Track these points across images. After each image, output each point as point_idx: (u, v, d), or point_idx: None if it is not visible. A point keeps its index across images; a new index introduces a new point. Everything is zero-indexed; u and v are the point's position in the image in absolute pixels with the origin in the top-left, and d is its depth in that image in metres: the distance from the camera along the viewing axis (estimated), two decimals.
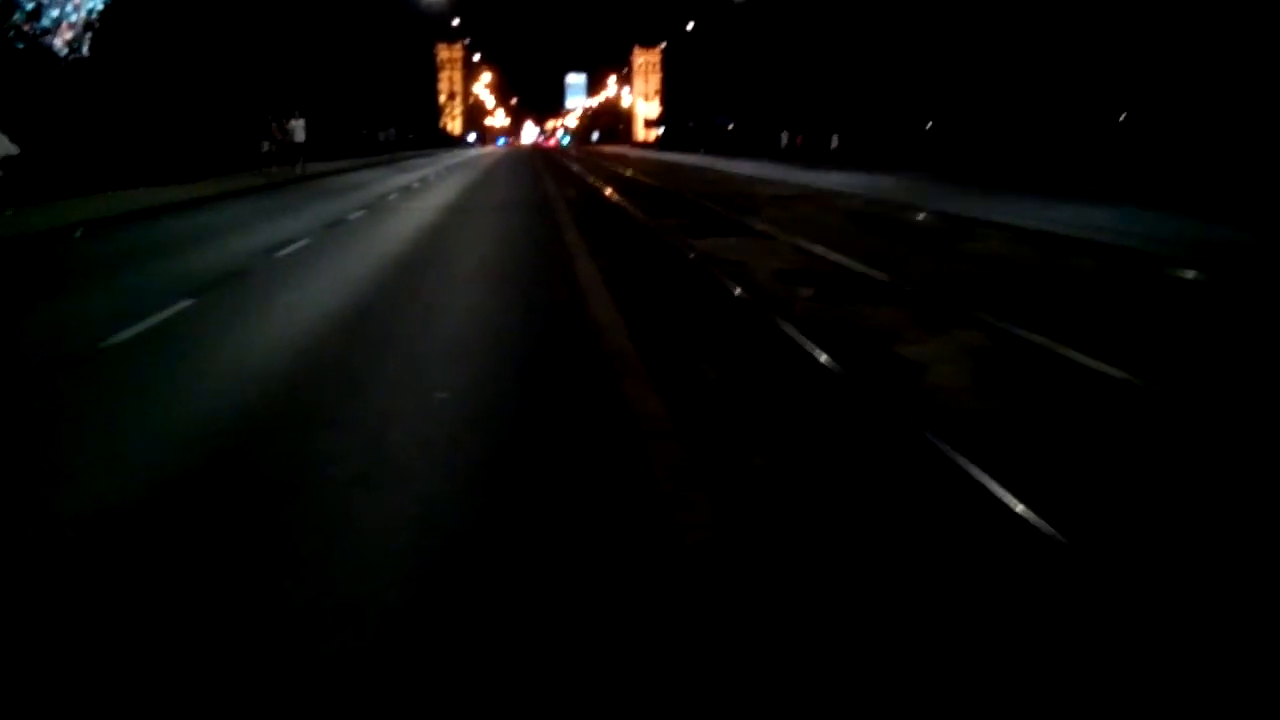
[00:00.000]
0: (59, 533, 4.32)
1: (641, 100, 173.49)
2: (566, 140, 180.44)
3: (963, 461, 5.01)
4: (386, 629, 3.46)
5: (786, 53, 68.89)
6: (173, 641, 3.38)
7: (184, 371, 7.16)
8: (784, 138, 67.91)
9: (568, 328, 8.65)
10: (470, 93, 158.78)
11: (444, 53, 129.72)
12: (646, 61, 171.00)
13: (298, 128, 32.40)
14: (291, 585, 3.79)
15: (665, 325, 8.68)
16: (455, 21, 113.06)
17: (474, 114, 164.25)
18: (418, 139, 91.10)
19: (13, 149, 19.15)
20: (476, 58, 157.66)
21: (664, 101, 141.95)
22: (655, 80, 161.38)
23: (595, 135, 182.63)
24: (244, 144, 33.29)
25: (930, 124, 46.75)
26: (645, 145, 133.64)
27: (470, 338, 8.44)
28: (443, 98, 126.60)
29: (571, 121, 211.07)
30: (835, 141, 58.13)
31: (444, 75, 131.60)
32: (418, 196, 26.37)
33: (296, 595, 3.71)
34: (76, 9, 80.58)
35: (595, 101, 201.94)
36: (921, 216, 19.57)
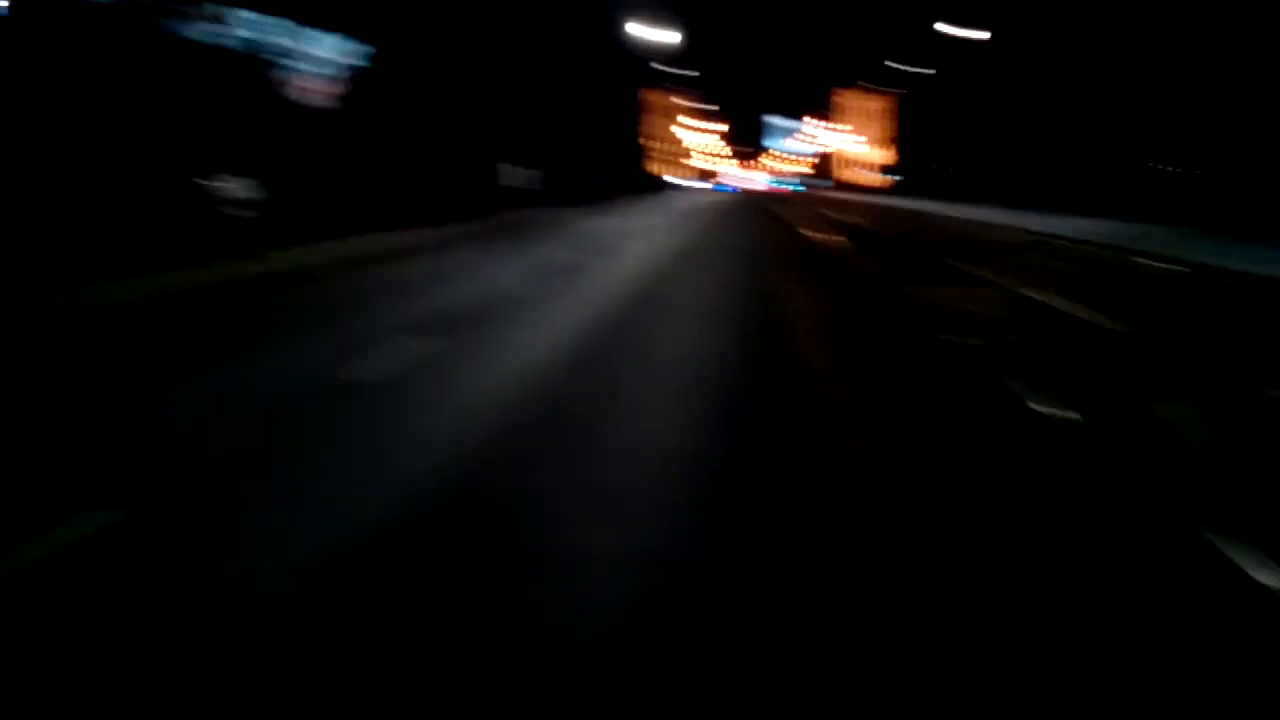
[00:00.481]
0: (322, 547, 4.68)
1: (851, 142, 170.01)
2: (793, 185, 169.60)
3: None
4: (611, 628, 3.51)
5: (1030, 95, 66.65)
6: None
7: (416, 405, 7.62)
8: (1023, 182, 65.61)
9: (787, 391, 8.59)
10: (672, 134, 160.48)
11: (651, 96, 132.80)
12: (861, 104, 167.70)
13: (518, 173, 34.20)
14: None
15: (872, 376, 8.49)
16: (664, 65, 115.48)
17: (676, 155, 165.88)
18: (623, 181, 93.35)
19: (263, 194, 20.85)
20: (681, 100, 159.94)
21: (897, 145, 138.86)
22: (869, 121, 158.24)
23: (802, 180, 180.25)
24: (469, 190, 35.00)
25: (1176, 168, 44.08)
26: (864, 189, 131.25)
27: (688, 369, 8.52)
28: (648, 139, 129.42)
29: (773, 164, 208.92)
30: (1064, 183, 55.67)
31: (650, 118, 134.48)
32: (636, 238, 27.00)
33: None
34: (339, 64, 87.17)
35: (801, 144, 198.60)
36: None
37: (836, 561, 4.57)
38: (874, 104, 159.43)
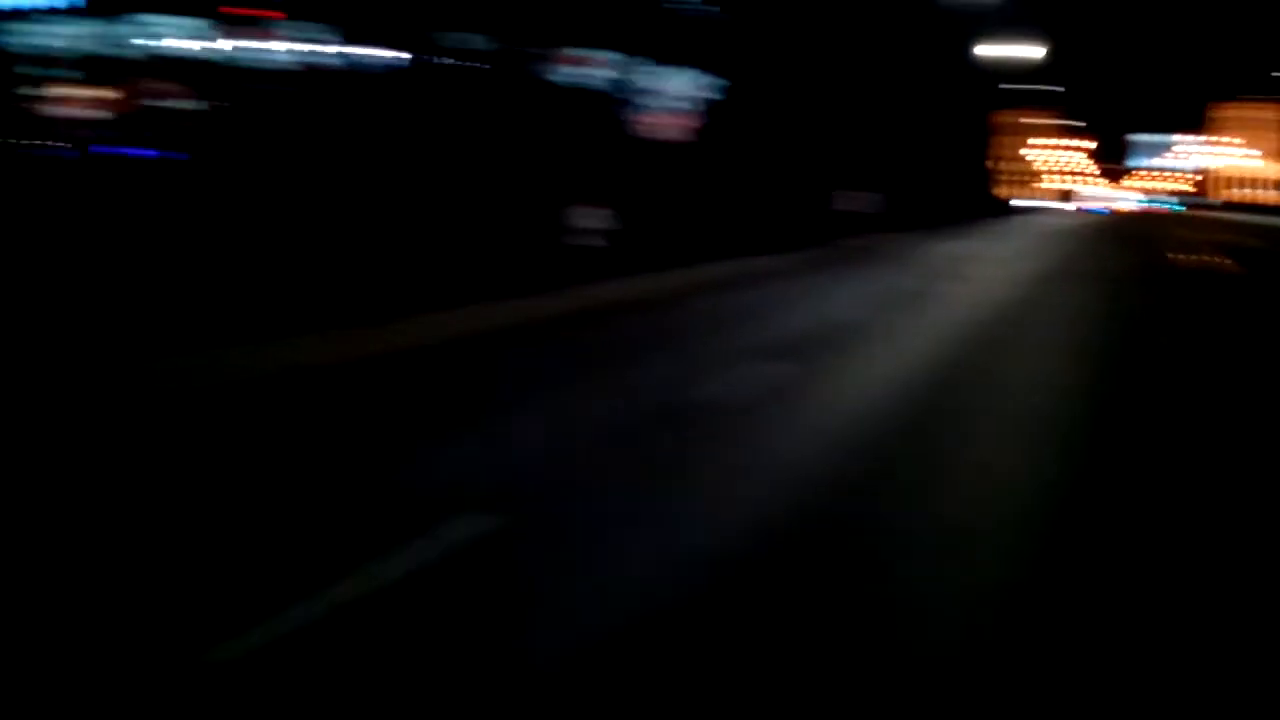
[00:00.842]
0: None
1: (1240, 157, 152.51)
2: (1170, 204, 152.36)
3: None
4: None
5: None
6: None
7: (779, 428, 7.58)
8: None
9: None
10: (1021, 156, 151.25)
11: (1001, 117, 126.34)
12: (1249, 117, 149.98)
13: (859, 199, 33.64)
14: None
15: None
16: (1020, 84, 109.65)
17: (1027, 177, 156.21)
18: (969, 205, 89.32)
19: (616, 224, 21.55)
20: (1037, 119, 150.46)
21: None
22: (1260, 135, 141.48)
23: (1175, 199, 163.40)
24: (809, 216, 34.64)
25: None
26: (1265, 208, 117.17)
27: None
28: (995, 161, 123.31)
29: (1144, 183, 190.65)
30: None
31: (999, 139, 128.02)
32: (985, 263, 25.74)
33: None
34: (688, 98, 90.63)
35: (1174, 160, 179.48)
36: None
37: None
38: (1266, 115, 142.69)
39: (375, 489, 5.97)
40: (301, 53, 72.09)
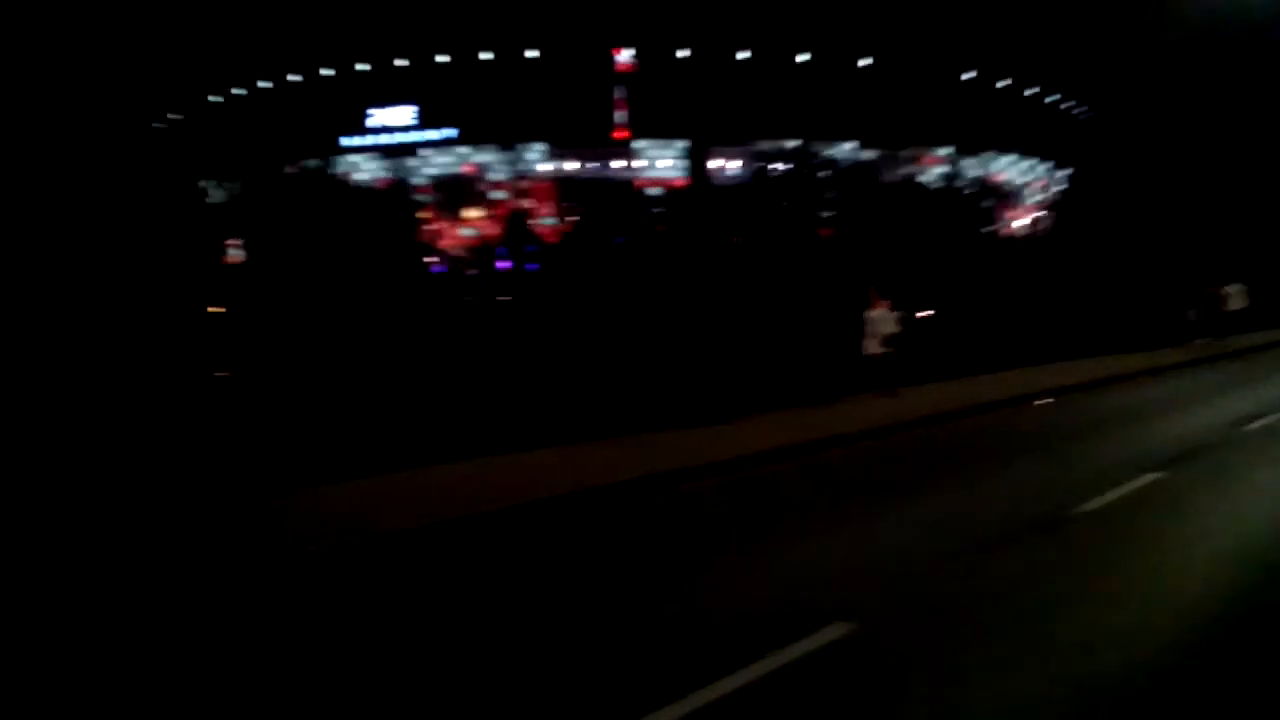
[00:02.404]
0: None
1: None
2: None
3: None
4: None
5: None
6: None
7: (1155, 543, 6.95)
8: None
9: None
10: None
11: None
12: None
13: (1235, 294, 29.61)
14: None
15: None
16: None
17: None
18: None
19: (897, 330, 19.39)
20: None
21: None
22: None
23: None
24: (1166, 315, 31.19)
25: None
26: None
27: None
28: None
29: None
30: None
31: None
32: None
33: None
34: (1041, 191, 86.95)
35: None
36: None
37: None
38: None
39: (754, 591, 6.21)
40: (659, 169, 77.25)
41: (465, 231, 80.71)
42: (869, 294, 16.81)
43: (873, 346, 16.23)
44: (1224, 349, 26.92)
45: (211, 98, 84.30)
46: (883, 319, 16.39)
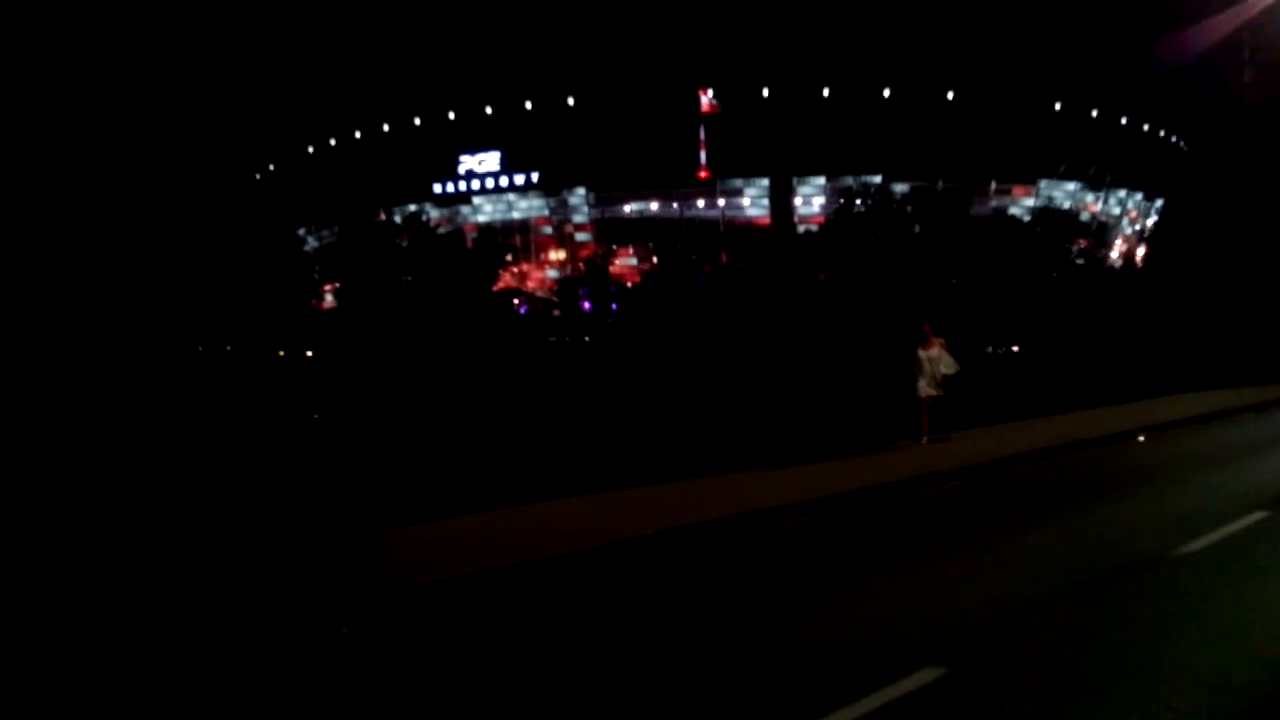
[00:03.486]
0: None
1: None
2: None
3: None
4: None
5: None
6: None
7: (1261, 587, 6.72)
8: None
9: None
10: None
11: None
12: None
13: None
14: None
15: None
16: None
17: None
18: None
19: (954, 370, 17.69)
20: None
21: None
22: None
23: None
24: (1267, 349, 29.54)
25: None
26: None
27: None
28: None
29: None
30: None
31: None
32: None
33: None
34: (1133, 223, 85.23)
35: None
36: None
37: None
38: None
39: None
40: (743, 207, 77.43)
41: (549, 273, 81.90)
42: (924, 330, 15.74)
43: (926, 389, 15.12)
44: None
45: (310, 148, 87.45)
46: (937, 359, 15.27)
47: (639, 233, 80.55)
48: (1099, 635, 5.95)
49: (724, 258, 61.48)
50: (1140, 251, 72.04)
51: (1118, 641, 5.85)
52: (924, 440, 15.07)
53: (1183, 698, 4.95)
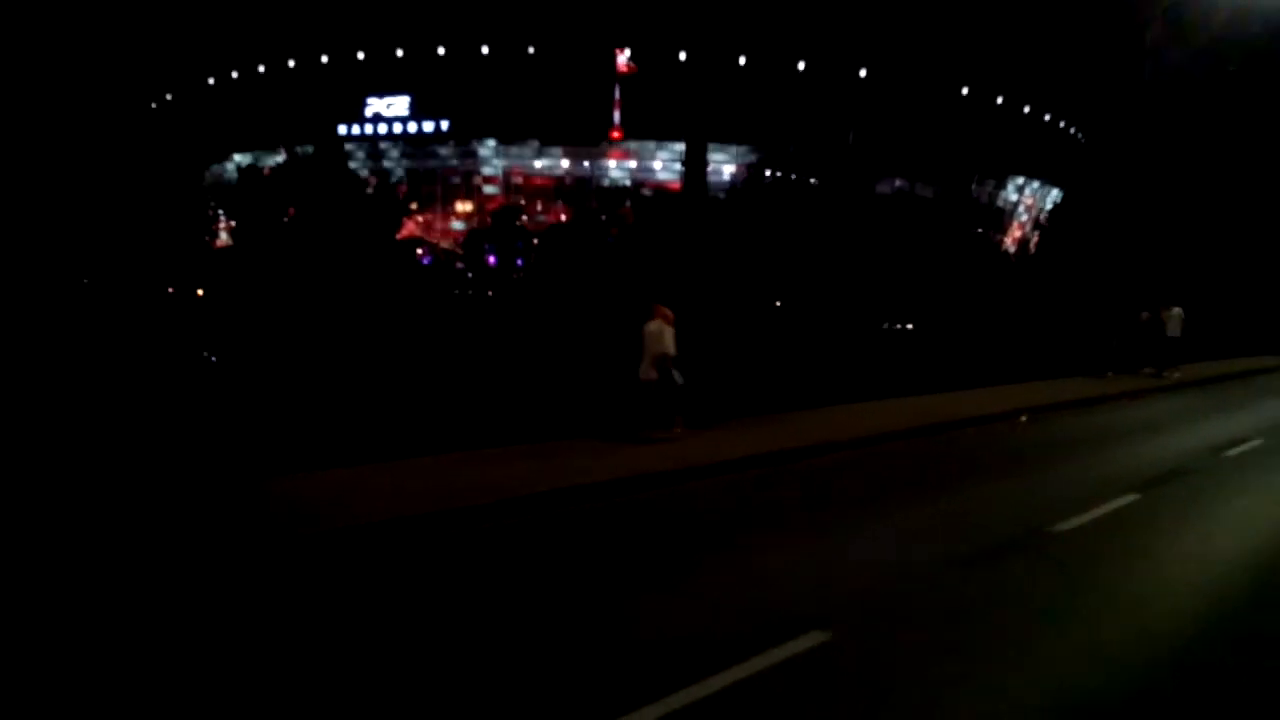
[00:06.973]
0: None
1: None
2: None
3: None
4: None
5: None
6: None
7: (1134, 565, 6.95)
8: None
9: None
10: None
11: None
12: None
13: (1173, 319, 26.54)
14: None
15: None
16: None
17: None
18: None
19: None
20: None
21: None
22: None
23: None
24: (1081, 341, 29.13)
25: None
26: None
27: None
28: None
29: None
30: None
31: None
32: None
33: None
34: (1029, 210, 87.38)
35: None
36: None
37: None
38: None
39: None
40: (654, 170, 77.32)
41: (455, 224, 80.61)
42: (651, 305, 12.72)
43: (647, 370, 12.26)
44: (1167, 381, 24.52)
45: (209, 79, 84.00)
46: (659, 335, 12.31)
47: (549, 189, 79.81)
48: (979, 605, 6.10)
49: (630, 218, 61.20)
50: (1034, 239, 74.42)
51: (997, 611, 6.01)
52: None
53: (1060, 665, 5.10)
